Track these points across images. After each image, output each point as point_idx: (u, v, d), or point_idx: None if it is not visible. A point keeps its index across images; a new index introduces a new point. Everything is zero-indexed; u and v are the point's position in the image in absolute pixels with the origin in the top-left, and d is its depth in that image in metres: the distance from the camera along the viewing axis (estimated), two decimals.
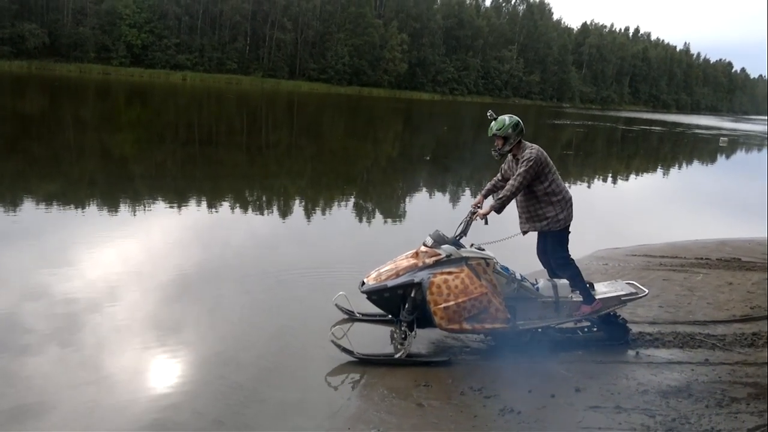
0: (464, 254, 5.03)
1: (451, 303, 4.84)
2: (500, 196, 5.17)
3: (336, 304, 5.82)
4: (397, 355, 5.04)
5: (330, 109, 46.78)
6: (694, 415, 4.42)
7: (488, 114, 5.36)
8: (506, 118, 5.22)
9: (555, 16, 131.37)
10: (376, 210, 12.05)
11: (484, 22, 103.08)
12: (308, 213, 11.02)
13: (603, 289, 5.67)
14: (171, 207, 10.43)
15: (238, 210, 10.83)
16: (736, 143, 43.69)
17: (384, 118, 43.34)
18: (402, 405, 4.43)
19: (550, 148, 28.64)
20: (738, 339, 5.98)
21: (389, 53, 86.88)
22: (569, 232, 5.49)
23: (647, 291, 5.78)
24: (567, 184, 17.20)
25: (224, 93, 52.71)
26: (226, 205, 11.12)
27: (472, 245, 5.26)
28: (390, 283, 4.97)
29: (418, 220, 10.93)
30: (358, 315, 5.82)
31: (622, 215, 13.45)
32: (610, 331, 5.68)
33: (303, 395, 4.54)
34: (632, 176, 21.52)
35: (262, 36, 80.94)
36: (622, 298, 5.59)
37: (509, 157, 5.44)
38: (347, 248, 8.82)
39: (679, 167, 26.09)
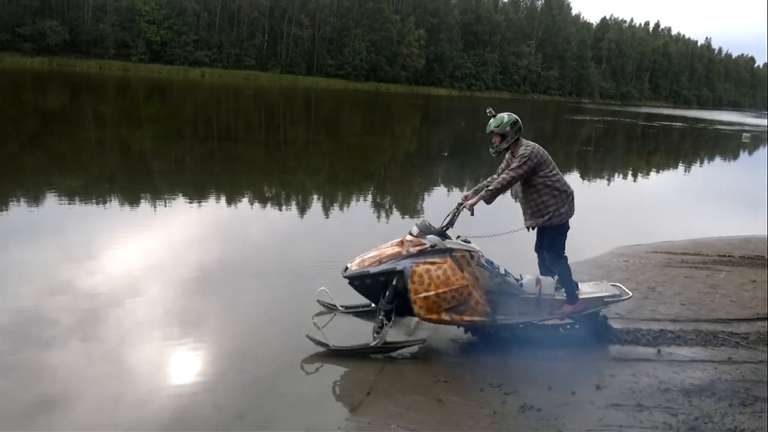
0: (449, 245, 5.03)
1: (432, 293, 4.84)
2: (491, 186, 5.13)
3: (318, 300, 5.83)
4: (372, 344, 5.07)
5: (347, 105, 46.82)
6: (718, 414, 4.37)
7: (487, 111, 5.33)
8: (505, 116, 5.22)
9: (574, 11, 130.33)
10: (395, 205, 12.04)
11: (501, 17, 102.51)
12: (327, 208, 11.04)
13: (587, 290, 5.59)
14: (190, 202, 10.50)
15: (257, 205, 10.88)
16: (758, 139, 43.03)
17: (401, 113, 43.27)
18: (421, 401, 4.42)
19: (569, 144, 28.53)
20: (762, 337, 5.89)
21: (407, 49, 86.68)
22: (568, 228, 5.40)
23: (631, 294, 5.66)
24: (586, 181, 16.94)
25: (242, 89, 52.92)
26: (245, 200, 11.18)
27: (458, 237, 5.26)
28: (372, 270, 5.00)
29: (436, 215, 10.89)
30: (340, 308, 5.82)
31: (642, 212, 13.30)
32: (592, 329, 5.60)
33: (322, 390, 4.55)
34: (653, 172, 21.29)
35: (279, 32, 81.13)
36: (605, 300, 5.50)
37: (507, 155, 5.42)
38: (366, 243, 8.78)
39: (701, 163, 25.76)
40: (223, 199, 11.05)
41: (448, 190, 14.28)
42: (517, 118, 5.23)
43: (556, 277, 5.41)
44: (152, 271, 6.73)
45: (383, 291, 5.05)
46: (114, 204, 9.95)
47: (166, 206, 10.06)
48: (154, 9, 72.12)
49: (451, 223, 5.22)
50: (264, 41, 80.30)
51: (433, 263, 4.90)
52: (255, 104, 38.85)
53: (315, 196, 12.18)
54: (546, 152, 5.20)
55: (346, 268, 5.16)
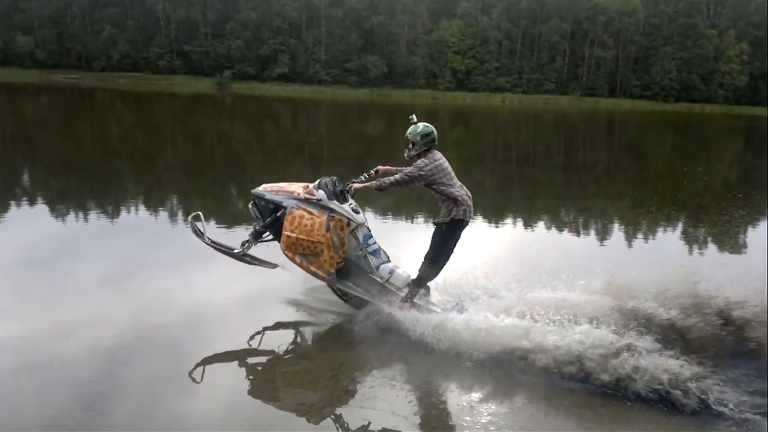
0: (331, 206, 5.63)
1: (294, 235, 5.56)
2: (386, 181, 5.55)
3: (193, 217, 6.30)
4: (236, 251, 6.04)
5: (656, 128, 43.81)
6: None
7: (410, 118, 5.72)
8: (420, 126, 5.59)
9: None
10: (708, 239, 10.82)
11: None
12: (631, 235, 10.45)
13: (433, 301, 5.84)
14: (488, 223, 10.78)
15: (554, 229, 10.78)
16: None
17: (719, 137, 39.00)
18: None
19: None
20: None
21: (725, 65, 78.24)
22: (454, 244, 5.62)
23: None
24: None
25: (542, 114, 53.07)
26: (541, 223, 11.17)
27: (349, 204, 5.77)
28: (267, 196, 5.86)
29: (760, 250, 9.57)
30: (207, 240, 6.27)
31: None
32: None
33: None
34: None
35: (581, 54, 79.80)
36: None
37: (417, 161, 5.63)
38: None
39: None
40: (519, 222, 11.18)
41: None
42: (432, 130, 5.60)
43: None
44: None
45: (268, 216, 5.84)
46: (420, 222, 10.64)
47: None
48: (460, 40, 76.92)
49: (346, 190, 5.76)
50: (564, 64, 79.76)
51: (310, 213, 5.59)
52: (554, 128, 38.63)
53: (617, 224, 11.60)
54: (446, 169, 5.52)
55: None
